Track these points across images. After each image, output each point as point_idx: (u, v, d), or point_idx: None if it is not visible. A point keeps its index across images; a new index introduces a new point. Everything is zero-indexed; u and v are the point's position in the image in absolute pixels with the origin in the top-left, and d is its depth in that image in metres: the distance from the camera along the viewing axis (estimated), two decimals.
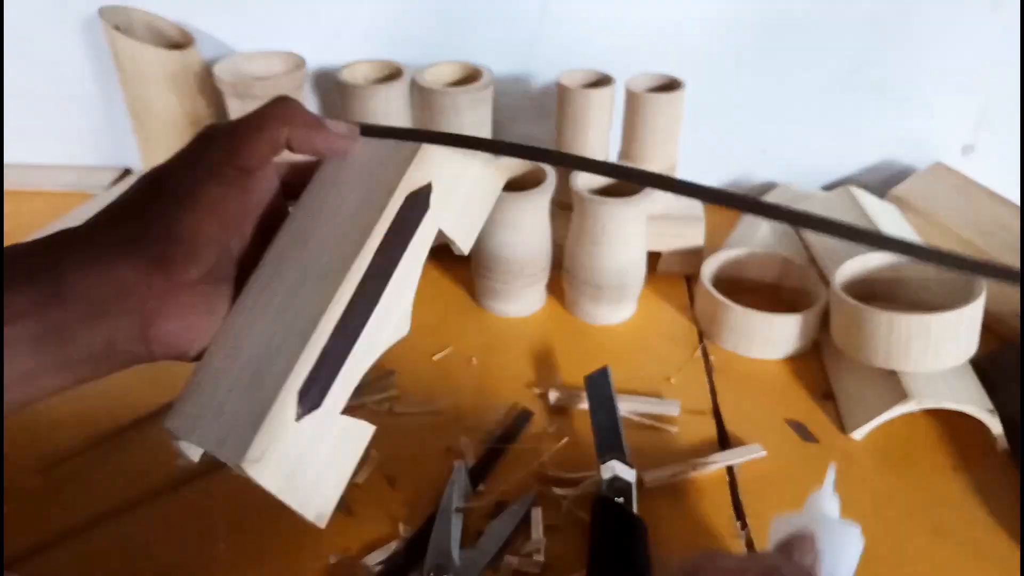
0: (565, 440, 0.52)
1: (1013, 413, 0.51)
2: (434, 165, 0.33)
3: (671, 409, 0.54)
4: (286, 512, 0.29)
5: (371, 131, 0.34)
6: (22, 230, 0.72)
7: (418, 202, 0.32)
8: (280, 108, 0.31)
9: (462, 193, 0.35)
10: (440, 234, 0.34)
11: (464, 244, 0.35)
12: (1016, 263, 0.63)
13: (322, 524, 0.30)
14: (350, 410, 0.31)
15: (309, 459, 0.29)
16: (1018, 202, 0.69)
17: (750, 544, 0.45)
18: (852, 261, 0.58)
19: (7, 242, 0.31)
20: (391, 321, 0.32)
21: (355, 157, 0.33)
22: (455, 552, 0.43)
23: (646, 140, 0.67)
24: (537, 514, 0.46)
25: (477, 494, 0.48)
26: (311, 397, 0.29)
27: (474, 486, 0.48)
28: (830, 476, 0.42)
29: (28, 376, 0.27)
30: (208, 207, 0.29)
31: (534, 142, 0.84)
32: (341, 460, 0.31)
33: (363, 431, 0.31)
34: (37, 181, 0.83)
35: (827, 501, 0.40)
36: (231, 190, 0.30)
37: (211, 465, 0.49)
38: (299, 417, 0.29)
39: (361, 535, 0.45)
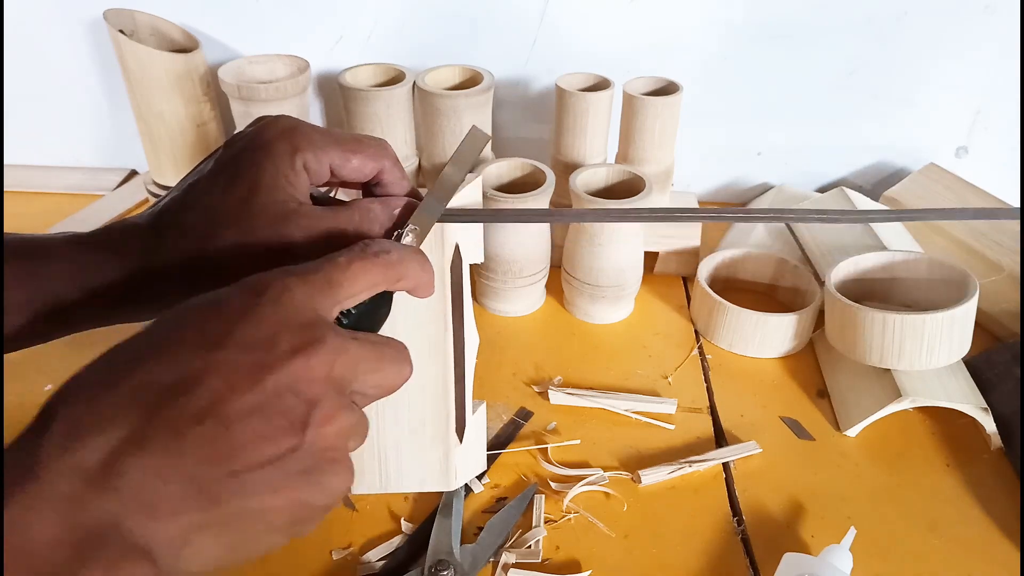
0: (564, 438, 0.53)
1: (1006, 411, 0.52)
2: (454, 230, 0.39)
3: (668, 407, 0.55)
4: None
5: (448, 218, 0.37)
6: (29, 229, 0.72)
7: (458, 263, 0.39)
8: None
9: (468, 230, 0.40)
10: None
11: (481, 256, 0.42)
12: (1011, 263, 0.64)
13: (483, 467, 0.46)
14: None
15: (469, 461, 0.44)
16: (1011, 203, 0.70)
17: (746, 540, 0.46)
18: (846, 261, 0.58)
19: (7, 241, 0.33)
20: (471, 338, 0.42)
21: None
22: (456, 548, 0.43)
23: (643, 143, 0.68)
24: (539, 508, 0.47)
25: (479, 491, 0.49)
26: (462, 427, 0.42)
27: (479, 481, 0.49)
28: (849, 536, 0.43)
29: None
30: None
31: (533, 145, 0.85)
32: (480, 431, 0.45)
33: (482, 410, 0.44)
34: (43, 182, 0.84)
35: (843, 557, 0.42)
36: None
37: None
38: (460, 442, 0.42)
39: (364, 531, 0.46)
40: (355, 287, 0.28)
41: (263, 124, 0.34)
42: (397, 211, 0.34)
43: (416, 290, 0.31)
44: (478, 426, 0.44)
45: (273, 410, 0.23)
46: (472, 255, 0.41)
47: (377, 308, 0.31)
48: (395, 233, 0.34)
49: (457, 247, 0.39)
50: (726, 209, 0.41)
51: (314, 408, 0.24)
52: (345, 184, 0.37)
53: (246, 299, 0.24)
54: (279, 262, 0.27)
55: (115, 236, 0.34)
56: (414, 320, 0.39)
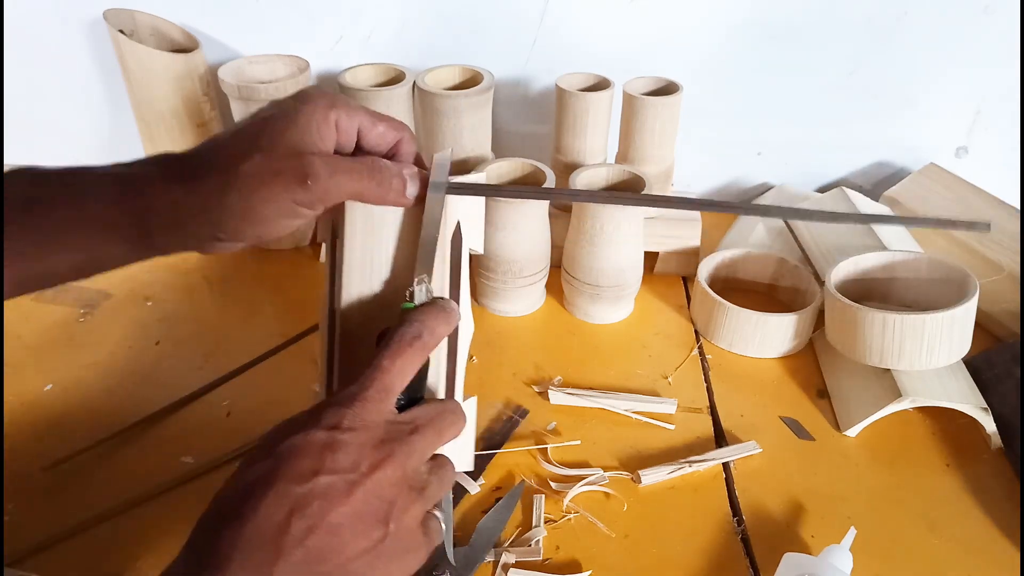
0: (564, 438, 0.53)
1: (1006, 411, 0.52)
2: (457, 207, 0.40)
3: (668, 407, 0.55)
4: None
5: (453, 190, 0.40)
6: None
7: (458, 242, 0.40)
8: (376, 166, 0.37)
9: (470, 212, 0.41)
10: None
11: (481, 247, 0.42)
12: (1010, 263, 0.64)
13: (471, 467, 0.41)
14: None
15: (458, 455, 0.40)
16: (1011, 202, 0.70)
17: (746, 540, 0.46)
18: (846, 262, 0.58)
19: (8, 241, 0.34)
20: (466, 326, 0.41)
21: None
22: (449, 551, 0.43)
23: (643, 142, 0.68)
24: (539, 508, 0.47)
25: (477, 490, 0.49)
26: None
27: (474, 482, 0.49)
28: (849, 536, 0.43)
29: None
30: (262, 226, 0.36)
31: (533, 144, 0.85)
32: (470, 426, 0.41)
33: (472, 403, 0.41)
34: None
35: (843, 557, 0.42)
36: (290, 227, 0.36)
37: (213, 463, 0.50)
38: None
39: None
40: (404, 380, 0.34)
41: (305, 88, 0.38)
42: (406, 171, 0.38)
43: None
44: (468, 419, 0.43)
45: (364, 513, 0.30)
46: (473, 241, 0.41)
47: (421, 377, 0.36)
48: (408, 292, 0.37)
49: (459, 226, 0.39)
50: (721, 203, 0.41)
51: (393, 506, 0.31)
52: (366, 149, 0.39)
53: (328, 435, 0.31)
54: (298, 187, 0.34)
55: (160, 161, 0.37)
56: (396, 279, 0.38)
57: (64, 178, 0.37)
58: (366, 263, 0.39)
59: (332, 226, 0.41)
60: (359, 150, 0.39)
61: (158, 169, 0.36)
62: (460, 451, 0.41)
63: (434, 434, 0.34)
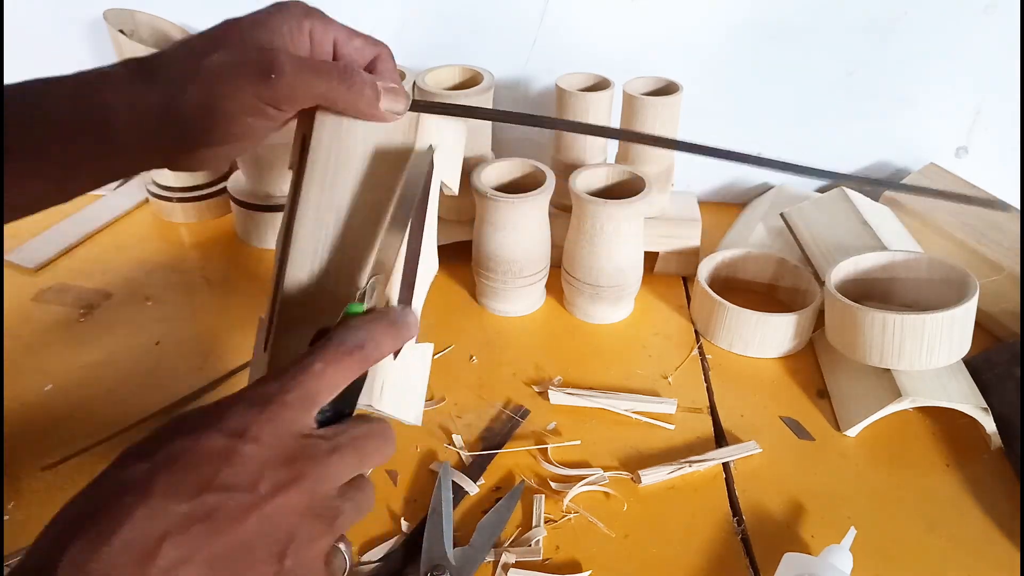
0: (564, 438, 0.53)
1: (1006, 411, 0.52)
2: (429, 127, 0.38)
3: (668, 407, 0.55)
4: None
5: (419, 107, 0.38)
6: (29, 229, 0.73)
7: (427, 162, 0.37)
8: (347, 71, 0.34)
9: (448, 146, 0.39)
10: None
11: (455, 186, 0.41)
12: (1010, 263, 0.64)
13: (419, 423, 0.37)
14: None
15: (404, 382, 0.36)
16: (1011, 202, 0.70)
17: (746, 540, 0.46)
18: (846, 261, 0.58)
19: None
20: (427, 262, 0.38)
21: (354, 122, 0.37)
22: (449, 552, 0.43)
23: None
24: (539, 508, 0.47)
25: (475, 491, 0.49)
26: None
27: (473, 482, 0.49)
28: (849, 536, 0.43)
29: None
30: (226, 126, 0.34)
31: (533, 144, 0.85)
32: (421, 375, 0.38)
33: (427, 350, 0.38)
34: None
35: (843, 557, 0.42)
36: (256, 127, 0.35)
37: None
38: (396, 356, 0.34)
39: (364, 530, 0.46)
40: (332, 391, 0.29)
41: (283, 1, 0.36)
42: (382, 82, 0.36)
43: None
44: (419, 364, 0.38)
45: (255, 545, 0.25)
46: (446, 174, 0.39)
47: (353, 391, 0.31)
48: (358, 292, 0.33)
49: (432, 150, 0.37)
50: (702, 146, 0.41)
51: (292, 541, 0.26)
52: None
53: (228, 442, 0.25)
54: (260, 82, 0.32)
55: (122, 70, 0.35)
56: (361, 192, 0.36)
57: (14, 90, 0.35)
58: (323, 206, 0.36)
59: (300, 151, 0.38)
60: None
61: (120, 68, 0.35)
62: (410, 406, 0.37)
63: (356, 458, 0.29)
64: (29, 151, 0.34)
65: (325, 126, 0.37)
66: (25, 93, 0.35)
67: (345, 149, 0.37)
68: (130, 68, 0.35)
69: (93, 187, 0.37)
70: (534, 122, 0.41)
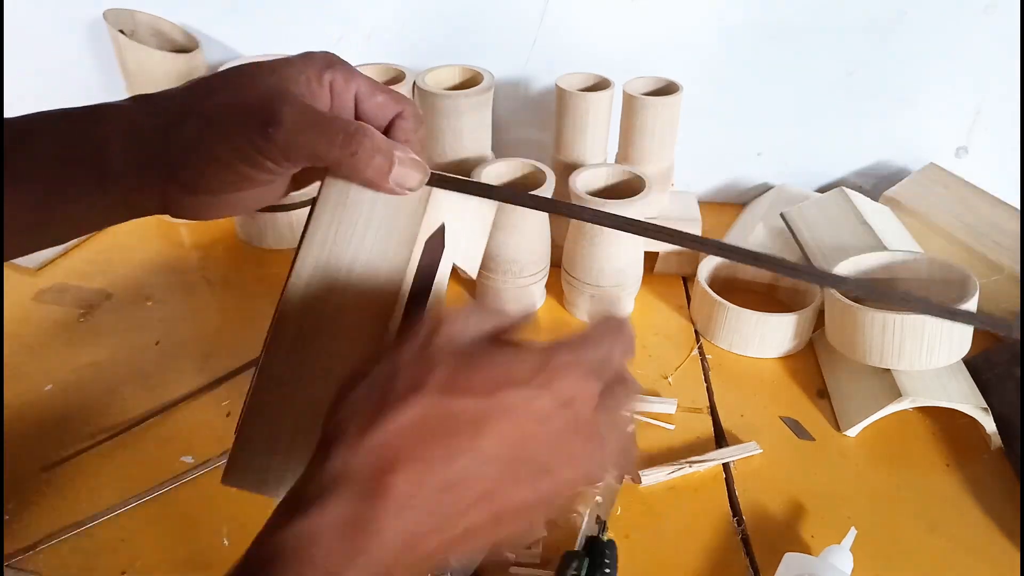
0: None
1: (1006, 411, 0.52)
2: (442, 205, 0.34)
3: (668, 407, 0.55)
4: None
5: (435, 181, 0.33)
6: None
7: (436, 244, 0.34)
8: (357, 134, 0.31)
9: (466, 227, 0.36)
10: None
11: (472, 271, 0.38)
12: (1010, 263, 0.64)
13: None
14: None
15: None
16: (1011, 202, 0.70)
17: (746, 540, 0.46)
18: (846, 262, 0.58)
19: (8, 240, 0.33)
20: None
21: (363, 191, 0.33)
22: None
23: (643, 143, 0.68)
24: None
25: None
26: None
27: None
28: (850, 536, 0.43)
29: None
30: (220, 171, 0.31)
31: (533, 144, 0.85)
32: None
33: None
34: None
35: (843, 557, 0.42)
36: (253, 179, 0.32)
37: (213, 463, 0.50)
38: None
39: None
40: None
41: (308, 51, 0.34)
42: (399, 151, 0.32)
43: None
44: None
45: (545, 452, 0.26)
46: (462, 256, 0.36)
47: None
48: None
49: (443, 230, 0.34)
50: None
51: (567, 457, 0.27)
52: (364, 121, 0.34)
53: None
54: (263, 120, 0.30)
55: (132, 106, 0.34)
56: (359, 277, 0.32)
57: (14, 123, 0.33)
58: (316, 280, 0.32)
59: (312, 204, 0.34)
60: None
61: (128, 100, 0.33)
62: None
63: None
64: (19, 174, 0.32)
65: (333, 186, 0.33)
66: (31, 120, 0.33)
67: (349, 217, 0.33)
68: (137, 100, 0.33)
69: (88, 227, 0.35)
70: (555, 209, 0.38)
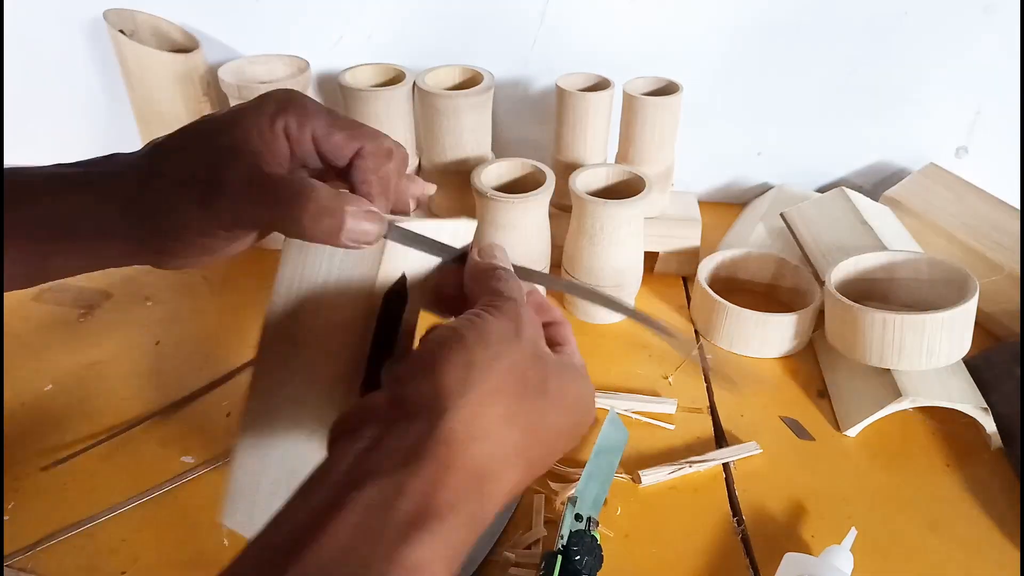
0: None
1: (1006, 411, 0.52)
2: (400, 255, 0.32)
3: (668, 407, 0.55)
4: None
5: (394, 235, 0.32)
6: None
7: (397, 296, 0.33)
8: (300, 196, 0.29)
9: (432, 277, 0.35)
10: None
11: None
12: (1010, 262, 0.64)
13: None
14: None
15: None
16: (1011, 202, 0.70)
17: (746, 540, 0.46)
18: (846, 261, 0.58)
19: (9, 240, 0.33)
20: None
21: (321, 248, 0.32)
22: None
23: (643, 143, 0.68)
24: (539, 507, 0.47)
25: None
26: None
27: None
28: (850, 536, 0.43)
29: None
30: (176, 241, 0.32)
31: (533, 144, 0.85)
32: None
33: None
34: None
35: (843, 557, 0.42)
36: (209, 246, 0.32)
37: (213, 463, 0.50)
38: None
39: None
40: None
41: (265, 93, 0.33)
42: (351, 206, 0.30)
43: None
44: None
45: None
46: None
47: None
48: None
49: (404, 280, 0.33)
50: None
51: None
52: (326, 163, 0.33)
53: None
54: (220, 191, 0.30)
55: (107, 170, 0.33)
56: (318, 329, 0.32)
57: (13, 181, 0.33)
58: (281, 333, 0.32)
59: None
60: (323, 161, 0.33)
61: (102, 159, 0.33)
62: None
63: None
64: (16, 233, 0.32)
65: (291, 243, 0.33)
66: (29, 179, 0.33)
67: (310, 269, 0.32)
68: (107, 161, 0.33)
69: (78, 272, 0.35)
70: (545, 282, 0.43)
